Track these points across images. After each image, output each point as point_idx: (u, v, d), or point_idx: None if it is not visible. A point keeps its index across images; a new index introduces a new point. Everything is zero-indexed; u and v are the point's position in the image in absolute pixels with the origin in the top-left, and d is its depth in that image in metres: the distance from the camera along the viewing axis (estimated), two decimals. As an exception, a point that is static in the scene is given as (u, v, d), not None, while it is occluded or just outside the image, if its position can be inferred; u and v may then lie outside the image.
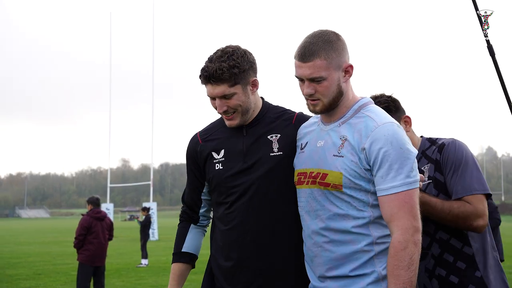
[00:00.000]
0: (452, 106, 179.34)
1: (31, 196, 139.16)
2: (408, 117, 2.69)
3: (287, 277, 2.23)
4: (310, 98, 2.05)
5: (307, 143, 2.17)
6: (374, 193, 2.00)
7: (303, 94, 2.07)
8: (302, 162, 2.17)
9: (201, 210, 2.49)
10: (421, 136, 2.75)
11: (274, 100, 2.46)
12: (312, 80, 2.00)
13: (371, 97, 2.65)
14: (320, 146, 2.10)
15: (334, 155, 2.03)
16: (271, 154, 2.27)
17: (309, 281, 2.17)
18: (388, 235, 2.01)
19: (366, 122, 2.00)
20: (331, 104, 2.04)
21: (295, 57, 2.05)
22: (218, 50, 2.24)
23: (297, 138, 2.29)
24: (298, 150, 2.23)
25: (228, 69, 2.17)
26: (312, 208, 2.10)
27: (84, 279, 8.44)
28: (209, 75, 2.19)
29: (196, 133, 2.47)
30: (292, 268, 2.24)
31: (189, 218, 2.50)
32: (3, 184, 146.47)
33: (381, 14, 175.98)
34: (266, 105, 2.39)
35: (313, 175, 2.08)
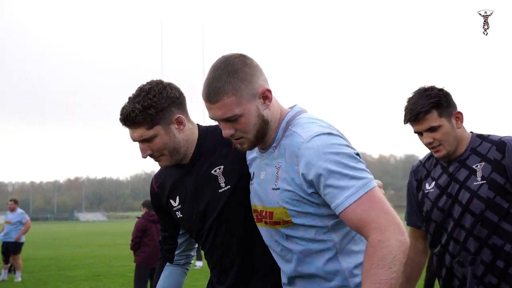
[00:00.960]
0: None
1: (89, 200, 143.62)
2: (460, 113, 2.55)
3: None
4: (233, 138, 1.84)
5: (254, 173, 1.98)
6: (329, 215, 1.79)
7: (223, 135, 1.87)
8: (252, 198, 1.98)
9: (177, 252, 2.39)
10: (471, 132, 2.63)
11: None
12: (227, 120, 1.78)
13: (419, 89, 2.56)
14: (263, 178, 1.90)
15: (273, 189, 1.84)
16: (220, 191, 2.09)
17: None
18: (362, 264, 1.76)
19: (293, 140, 1.78)
20: (258, 138, 1.83)
21: (202, 97, 1.82)
22: (138, 87, 2.05)
23: (247, 163, 2.07)
24: (251, 180, 2.01)
25: (142, 110, 1.97)
26: (275, 248, 1.94)
27: (141, 281, 8.58)
28: (123, 118, 2.00)
29: (152, 178, 2.34)
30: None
31: (164, 257, 2.42)
32: (62, 189, 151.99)
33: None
34: (202, 135, 2.14)
35: (263, 214, 1.90)
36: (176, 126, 2.05)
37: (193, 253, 2.46)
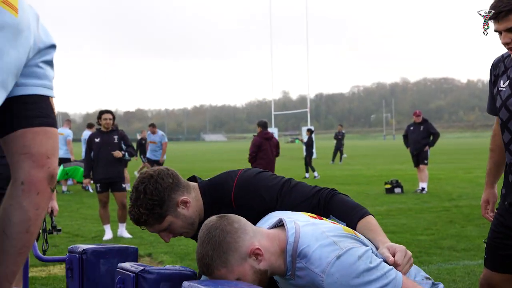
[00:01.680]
0: None
1: (212, 123, 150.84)
2: None
3: None
4: None
5: (277, 279, 1.83)
6: None
7: None
8: None
9: None
10: None
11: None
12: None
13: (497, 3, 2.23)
14: None
15: None
16: None
17: None
18: None
19: (312, 278, 1.64)
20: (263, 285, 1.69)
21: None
22: (133, 187, 1.91)
23: None
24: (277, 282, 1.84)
25: (148, 214, 1.87)
26: None
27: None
28: (137, 223, 1.92)
29: None
30: None
31: None
32: (190, 114, 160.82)
33: None
34: (206, 196, 1.99)
35: None
36: (183, 207, 1.93)
37: None
